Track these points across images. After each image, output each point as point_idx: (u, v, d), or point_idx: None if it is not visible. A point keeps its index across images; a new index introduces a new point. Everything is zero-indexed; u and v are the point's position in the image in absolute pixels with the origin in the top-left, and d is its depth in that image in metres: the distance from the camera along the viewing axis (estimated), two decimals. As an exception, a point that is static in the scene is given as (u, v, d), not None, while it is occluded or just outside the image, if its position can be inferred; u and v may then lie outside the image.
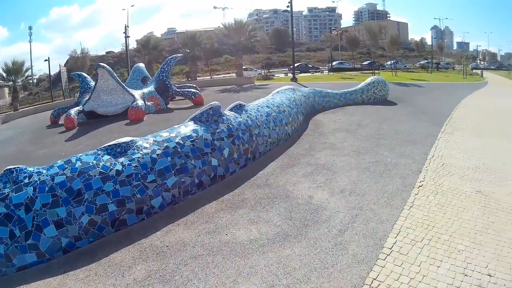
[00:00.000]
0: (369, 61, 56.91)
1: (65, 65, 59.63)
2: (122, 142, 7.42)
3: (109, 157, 7.05)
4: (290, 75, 52.40)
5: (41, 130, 20.34)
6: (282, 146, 11.40)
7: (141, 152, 7.39)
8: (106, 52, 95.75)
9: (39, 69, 63.41)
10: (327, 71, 53.57)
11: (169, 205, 7.34)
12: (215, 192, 8.04)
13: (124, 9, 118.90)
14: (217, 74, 62.32)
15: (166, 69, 24.28)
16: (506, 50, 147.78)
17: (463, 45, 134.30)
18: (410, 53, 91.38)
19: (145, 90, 22.11)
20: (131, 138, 7.66)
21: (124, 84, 20.76)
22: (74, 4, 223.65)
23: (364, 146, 11.45)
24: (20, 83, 48.50)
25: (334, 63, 60.32)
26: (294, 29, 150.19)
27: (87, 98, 20.30)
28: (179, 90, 24.32)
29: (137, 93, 20.81)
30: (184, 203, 7.52)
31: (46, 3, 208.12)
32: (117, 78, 20.27)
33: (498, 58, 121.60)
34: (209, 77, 53.18)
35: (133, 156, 7.23)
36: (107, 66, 19.96)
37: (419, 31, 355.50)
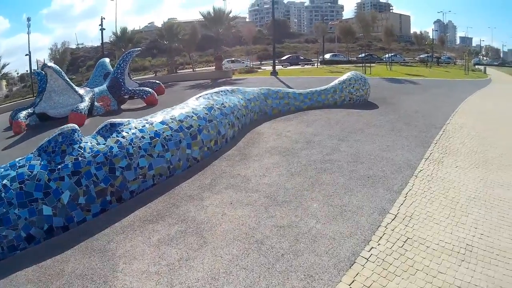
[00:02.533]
0: (365, 54, 52.00)
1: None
2: None
3: None
4: (278, 67, 48.03)
5: (-5, 134, 18.10)
6: (176, 178, 8.16)
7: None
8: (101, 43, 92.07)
9: (37, 60, 61.57)
10: (318, 64, 48.70)
11: (-11, 263, 5.66)
12: (39, 253, 5.78)
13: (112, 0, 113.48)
14: (210, 66, 57.60)
15: (122, 65, 21.92)
16: (510, 46, 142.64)
17: (466, 40, 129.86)
18: (411, 46, 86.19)
19: (97, 89, 20.52)
20: None
21: (73, 84, 19.22)
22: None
23: (290, 187, 7.33)
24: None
25: (327, 55, 55.56)
26: (295, 20, 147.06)
27: (39, 99, 18.82)
28: (131, 89, 21.76)
29: (87, 93, 19.24)
30: (4, 262, 5.72)
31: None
32: (66, 77, 18.79)
33: (501, 54, 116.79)
34: (192, 70, 48.90)
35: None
36: (54, 66, 18.57)
37: (423, 25, 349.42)
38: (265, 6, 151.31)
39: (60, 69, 18.62)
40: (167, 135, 8.34)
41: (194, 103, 10.30)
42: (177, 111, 9.48)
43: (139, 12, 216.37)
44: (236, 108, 11.49)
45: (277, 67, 46.75)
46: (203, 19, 42.27)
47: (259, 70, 41.63)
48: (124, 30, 47.76)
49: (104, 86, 20.98)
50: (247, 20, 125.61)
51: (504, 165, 8.96)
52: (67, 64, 66.79)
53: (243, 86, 27.04)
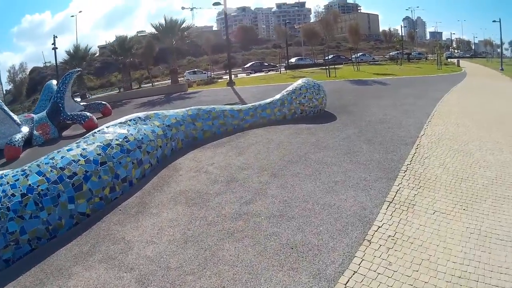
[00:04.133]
0: (333, 55, 49.75)
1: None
2: None
3: None
4: (241, 75, 45.31)
5: None
6: (58, 241, 6.22)
7: None
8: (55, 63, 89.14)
9: (5, 82, 59.21)
10: (283, 69, 45.99)
11: None
12: None
13: (73, 16, 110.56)
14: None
15: (62, 89, 20.24)
16: (480, 37, 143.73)
17: (436, 35, 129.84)
18: (381, 44, 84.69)
19: (36, 116, 19.15)
20: None
21: (11, 113, 17.92)
22: (46, 11, 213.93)
23: (174, 265, 4.83)
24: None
25: (293, 59, 53.07)
26: (264, 26, 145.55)
27: (-21, 131, 17.40)
28: (70, 114, 19.81)
29: (26, 122, 18.10)
30: None
31: (18, 11, 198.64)
32: (4, 106, 17.49)
33: (473, 46, 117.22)
34: (151, 85, 45.89)
35: None
36: None
37: (392, 23, 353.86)
38: (232, 14, 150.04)
39: None
40: (42, 190, 6.64)
41: (87, 141, 8.24)
42: (61, 154, 7.53)
43: (108, 26, 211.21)
44: (146, 140, 8.99)
45: (240, 75, 44.24)
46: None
47: (219, 81, 38.61)
48: (77, 48, 44.53)
49: (43, 113, 19.41)
50: (214, 28, 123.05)
51: (502, 197, 6.21)
52: (26, 87, 63.38)
53: (196, 99, 24.83)
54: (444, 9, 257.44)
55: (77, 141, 8.36)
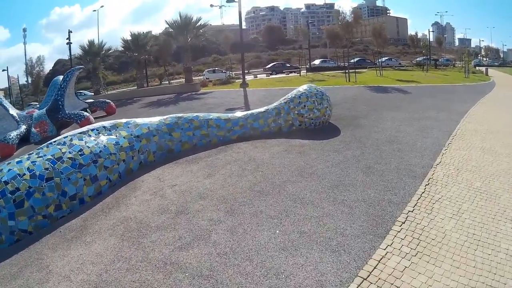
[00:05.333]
0: (357, 58, 47.59)
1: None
2: None
3: None
4: (262, 76, 43.70)
5: None
6: None
7: None
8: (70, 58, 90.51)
9: (9, 77, 59.80)
10: (304, 71, 44.06)
11: None
12: None
13: (95, 11, 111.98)
14: (199, 75, 53.15)
15: (63, 86, 20.03)
16: (509, 45, 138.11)
17: (465, 41, 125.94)
18: (409, 49, 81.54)
19: (35, 113, 19.32)
20: None
21: (10, 110, 18.07)
22: (75, 4, 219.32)
23: None
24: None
25: (317, 61, 51.06)
26: (292, 27, 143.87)
27: (-19, 126, 17.54)
28: (68, 112, 19.57)
29: (25, 120, 18.19)
30: None
31: (47, 4, 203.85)
32: (5, 104, 17.76)
33: (501, 54, 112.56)
34: (167, 82, 44.97)
35: None
36: None
37: (421, 28, 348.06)
38: (260, 13, 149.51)
39: None
40: None
41: (39, 153, 7.72)
42: (9, 167, 7.17)
43: (136, 21, 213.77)
44: (106, 154, 8.17)
45: (260, 76, 42.80)
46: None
47: (236, 81, 37.03)
48: (91, 44, 43.90)
49: (43, 110, 19.47)
50: (243, 27, 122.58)
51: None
52: (43, 80, 63.75)
53: (202, 101, 23.45)
54: (473, 15, 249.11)
55: (30, 153, 7.83)
